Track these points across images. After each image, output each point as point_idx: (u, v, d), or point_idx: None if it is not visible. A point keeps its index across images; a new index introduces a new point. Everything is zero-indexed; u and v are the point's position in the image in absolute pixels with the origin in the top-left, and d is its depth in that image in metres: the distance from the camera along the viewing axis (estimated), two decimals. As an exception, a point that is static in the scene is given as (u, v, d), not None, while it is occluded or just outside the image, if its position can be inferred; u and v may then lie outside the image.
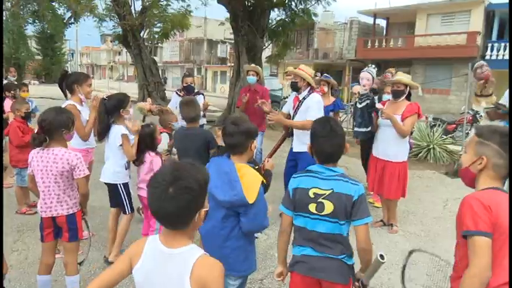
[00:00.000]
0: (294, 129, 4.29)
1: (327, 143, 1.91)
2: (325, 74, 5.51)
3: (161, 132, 4.39)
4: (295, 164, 4.28)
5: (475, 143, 1.63)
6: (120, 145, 3.25)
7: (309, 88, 4.18)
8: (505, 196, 1.53)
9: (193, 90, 5.44)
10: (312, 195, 1.88)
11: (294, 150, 4.30)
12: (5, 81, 7.08)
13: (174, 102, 5.36)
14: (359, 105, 4.59)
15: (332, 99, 5.26)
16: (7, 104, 5.31)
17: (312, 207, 1.88)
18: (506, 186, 1.70)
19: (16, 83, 7.23)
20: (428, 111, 14.61)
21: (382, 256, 1.77)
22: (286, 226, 2.03)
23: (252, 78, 5.64)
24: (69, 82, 3.67)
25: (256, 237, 2.94)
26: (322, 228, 1.88)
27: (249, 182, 1.99)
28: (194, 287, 1.28)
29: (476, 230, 1.45)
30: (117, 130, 3.24)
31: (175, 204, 1.25)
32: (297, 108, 4.21)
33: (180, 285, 1.29)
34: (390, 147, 4.09)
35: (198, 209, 1.32)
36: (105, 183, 3.39)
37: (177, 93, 5.47)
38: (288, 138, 4.63)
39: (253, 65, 6.19)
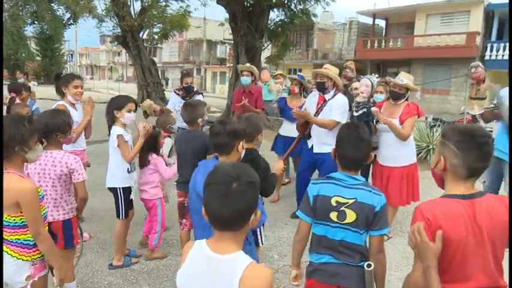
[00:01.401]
0: (314, 130, 4.20)
1: (351, 149, 1.87)
2: (299, 74, 5.35)
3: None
4: (311, 164, 4.21)
5: (439, 142, 1.60)
6: (118, 146, 3.17)
7: (334, 89, 4.12)
8: (456, 205, 1.47)
9: (192, 91, 5.41)
10: (334, 204, 1.83)
11: (315, 151, 4.20)
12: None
13: (172, 102, 5.32)
14: (355, 114, 4.24)
15: (303, 100, 4.99)
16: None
17: (334, 215, 1.84)
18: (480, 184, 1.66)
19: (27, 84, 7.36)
20: (427, 111, 14.58)
21: (369, 265, 1.78)
22: (305, 234, 1.99)
23: (245, 79, 5.31)
24: (59, 85, 3.71)
25: (262, 244, 2.90)
26: (342, 237, 1.85)
27: None
28: None
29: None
30: (114, 131, 3.17)
31: (241, 199, 1.24)
32: (321, 108, 4.13)
33: None
34: (392, 152, 3.93)
35: (255, 208, 1.31)
36: (108, 188, 3.32)
37: (175, 92, 5.43)
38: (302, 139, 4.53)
39: (247, 64, 5.96)
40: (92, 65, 64.25)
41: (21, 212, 1.88)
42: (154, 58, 22.09)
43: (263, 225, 2.79)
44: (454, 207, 1.46)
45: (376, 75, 4.47)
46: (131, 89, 19.89)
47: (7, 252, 1.91)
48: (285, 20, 12.83)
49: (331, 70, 4.15)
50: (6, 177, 1.85)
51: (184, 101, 5.05)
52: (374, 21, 24.19)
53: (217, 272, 1.28)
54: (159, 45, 26.84)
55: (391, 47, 21.80)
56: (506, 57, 17.31)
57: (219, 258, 1.29)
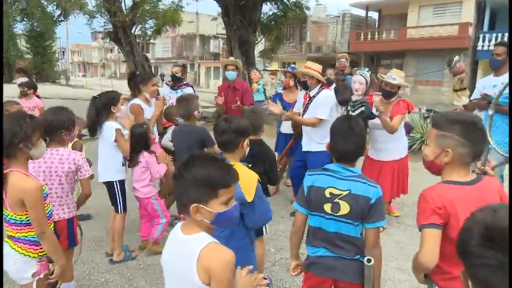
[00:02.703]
0: (304, 128, 4.18)
1: (343, 141, 1.88)
2: (291, 66, 5.23)
3: (167, 126, 4.39)
4: (303, 164, 4.16)
5: (435, 135, 1.61)
6: (115, 140, 3.21)
7: (320, 85, 4.05)
8: (456, 188, 1.57)
9: (179, 80, 5.31)
10: (328, 195, 1.84)
11: (304, 149, 4.16)
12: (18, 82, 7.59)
13: (162, 93, 5.26)
14: (352, 114, 4.03)
15: (298, 93, 4.90)
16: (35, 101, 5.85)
17: (327, 207, 1.84)
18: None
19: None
20: (421, 102, 14.64)
21: (369, 260, 1.78)
22: (300, 225, 1.99)
23: (231, 74, 5.10)
24: (135, 83, 4.03)
25: (266, 233, 2.95)
26: (336, 229, 1.85)
27: (246, 181, 1.96)
28: (201, 275, 1.28)
29: (426, 223, 1.55)
30: (110, 126, 3.21)
31: (180, 186, 1.36)
32: (307, 105, 4.11)
33: (189, 273, 1.30)
34: (384, 146, 3.95)
35: (190, 201, 1.33)
36: (103, 182, 3.35)
37: (167, 84, 5.40)
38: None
39: (231, 58, 5.80)
40: (84, 62, 63.67)
41: (26, 210, 1.88)
42: (147, 54, 21.96)
43: None
44: (464, 193, 1.55)
45: (367, 69, 4.34)
46: (124, 86, 19.76)
47: (14, 249, 1.93)
48: (278, 13, 12.79)
49: (312, 67, 4.07)
50: (11, 176, 1.84)
51: (173, 91, 5.05)
52: (367, 13, 24.16)
53: (183, 251, 1.35)
54: (151, 41, 26.68)
55: (385, 39, 21.79)
56: (498, 47, 17.39)
57: (184, 238, 1.36)
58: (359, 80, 4.06)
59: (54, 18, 26.28)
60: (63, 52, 48.88)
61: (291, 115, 4.09)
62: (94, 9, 18.04)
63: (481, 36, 18.96)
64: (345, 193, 1.82)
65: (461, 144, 1.55)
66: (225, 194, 1.34)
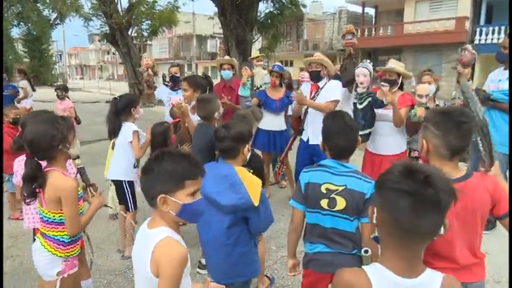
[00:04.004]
0: (309, 121, 4.20)
1: (343, 138, 1.86)
2: (278, 65, 5.04)
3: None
4: (310, 156, 4.15)
5: (422, 127, 1.63)
6: (130, 142, 3.28)
7: (326, 76, 4.11)
8: None
9: (178, 81, 5.30)
10: (324, 191, 1.84)
11: (311, 142, 4.16)
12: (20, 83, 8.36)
13: (160, 91, 5.17)
14: (359, 106, 3.85)
15: (283, 91, 4.87)
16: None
17: (324, 202, 1.84)
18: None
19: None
20: (419, 98, 14.63)
21: (366, 251, 1.78)
22: (298, 222, 1.99)
23: (227, 73, 5.00)
24: (209, 84, 4.04)
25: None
26: (333, 225, 1.85)
27: (251, 184, 1.97)
28: (153, 267, 1.33)
29: None
30: (128, 127, 3.29)
31: (145, 178, 1.41)
32: (314, 97, 4.11)
33: (144, 264, 1.35)
34: (386, 140, 3.86)
35: (157, 192, 1.37)
36: (112, 180, 3.41)
37: (165, 84, 5.36)
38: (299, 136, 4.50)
39: (227, 57, 5.67)
40: (82, 64, 63.58)
41: (61, 210, 1.94)
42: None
43: None
44: None
45: (368, 61, 4.20)
46: (122, 88, 19.74)
47: (44, 246, 1.99)
48: (275, 11, 12.78)
49: (324, 59, 4.13)
50: (51, 174, 1.93)
51: (173, 92, 4.97)
52: (363, 9, 24.16)
53: (143, 244, 1.39)
54: (148, 42, 26.63)
55: (381, 35, 21.81)
56: (495, 41, 17.38)
57: (147, 232, 1.40)
58: (363, 72, 3.86)
59: (51, 22, 26.20)
60: (60, 55, 48.81)
61: (301, 98, 4.01)
62: (90, 11, 17.99)
63: (478, 30, 18.94)
64: (340, 188, 1.82)
65: (434, 135, 1.53)
66: (191, 186, 1.38)
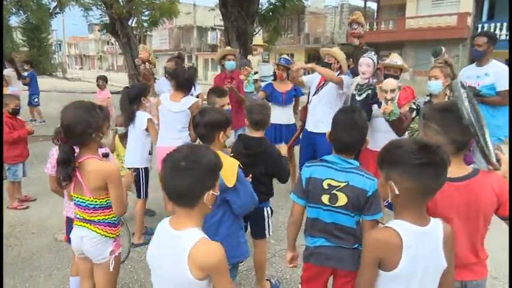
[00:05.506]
0: (311, 109, 4.20)
1: (346, 132, 1.85)
2: (284, 57, 4.90)
3: None
4: (312, 147, 4.14)
5: (421, 125, 1.63)
6: (145, 129, 3.44)
7: (339, 72, 4.09)
8: (451, 189, 1.50)
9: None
10: (326, 186, 1.84)
11: (309, 129, 4.16)
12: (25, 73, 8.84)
13: (160, 84, 5.12)
14: (358, 98, 3.80)
15: (290, 84, 4.73)
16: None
17: (325, 198, 1.84)
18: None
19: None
20: (420, 93, 14.62)
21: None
22: (298, 216, 1.99)
23: (231, 64, 4.98)
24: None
25: (269, 235, 2.84)
26: (334, 220, 1.85)
27: (225, 167, 1.97)
28: (194, 271, 1.30)
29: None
30: (142, 115, 3.46)
31: (185, 177, 1.32)
32: (322, 86, 4.13)
33: (180, 268, 1.31)
34: (385, 136, 3.60)
35: (205, 189, 1.36)
36: (128, 168, 3.47)
37: (166, 77, 5.32)
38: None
39: (228, 47, 5.62)
40: (81, 54, 63.19)
41: (106, 194, 2.01)
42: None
43: (271, 214, 2.75)
44: (449, 191, 1.50)
45: (373, 52, 4.11)
46: (122, 78, 19.66)
47: (96, 231, 2.05)
48: (276, 4, 12.68)
49: (340, 54, 4.11)
50: (89, 163, 1.96)
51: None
52: (365, 3, 23.99)
53: (172, 246, 1.35)
54: (148, 32, 26.44)
55: (383, 29, 21.69)
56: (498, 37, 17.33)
57: (174, 234, 1.37)
58: (367, 62, 3.80)
59: (50, 11, 25.95)
60: (59, 45, 48.51)
61: (313, 65, 4.00)
62: (90, 1, 17.82)
63: (480, 26, 18.84)
64: (342, 185, 1.82)
65: (437, 133, 1.53)
66: (218, 176, 1.43)
